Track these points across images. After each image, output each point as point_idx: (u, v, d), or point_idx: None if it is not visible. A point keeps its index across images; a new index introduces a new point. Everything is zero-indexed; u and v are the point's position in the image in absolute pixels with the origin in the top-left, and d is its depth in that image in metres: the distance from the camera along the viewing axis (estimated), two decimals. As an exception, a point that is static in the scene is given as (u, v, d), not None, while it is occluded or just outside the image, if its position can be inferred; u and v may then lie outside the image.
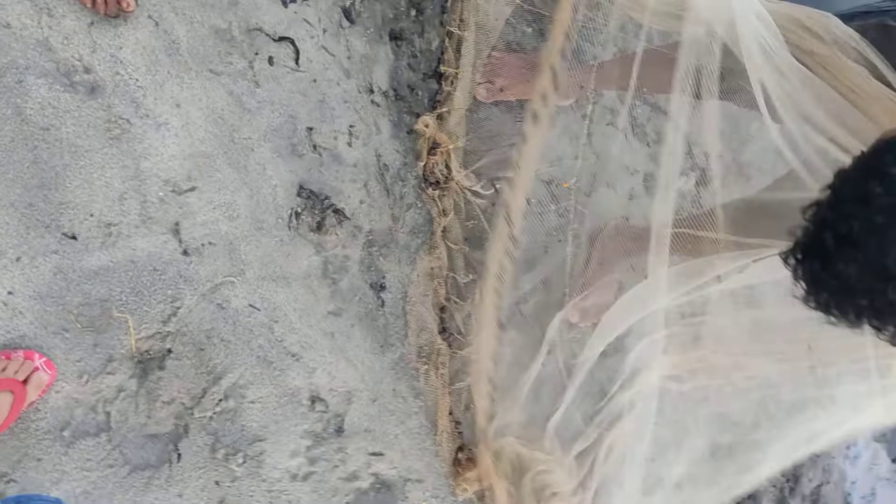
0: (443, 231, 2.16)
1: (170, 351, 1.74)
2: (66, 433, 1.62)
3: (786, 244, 1.42)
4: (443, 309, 2.19)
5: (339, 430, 1.95)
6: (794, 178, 2.09)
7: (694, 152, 2.83)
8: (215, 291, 1.80)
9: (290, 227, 1.91)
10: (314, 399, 1.93)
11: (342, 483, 1.95)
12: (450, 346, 2.14)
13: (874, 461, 3.52)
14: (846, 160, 1.24)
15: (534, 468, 2.24)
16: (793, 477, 3.03)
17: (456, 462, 2.12)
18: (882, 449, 3.59)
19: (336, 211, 1.96)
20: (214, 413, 1.78)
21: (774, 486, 2.94)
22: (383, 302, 2.07)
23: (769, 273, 1.94)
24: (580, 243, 2.46)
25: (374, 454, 2.01)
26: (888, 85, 1.40)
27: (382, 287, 2.07)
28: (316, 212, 1.94)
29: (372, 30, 2.02)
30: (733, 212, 2.35)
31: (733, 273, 2.10)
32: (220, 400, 1.79)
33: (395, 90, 2.10)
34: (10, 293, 1.56)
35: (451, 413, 2.14)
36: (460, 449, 2.12)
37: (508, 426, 2.27)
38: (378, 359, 2.04)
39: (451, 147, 2.14)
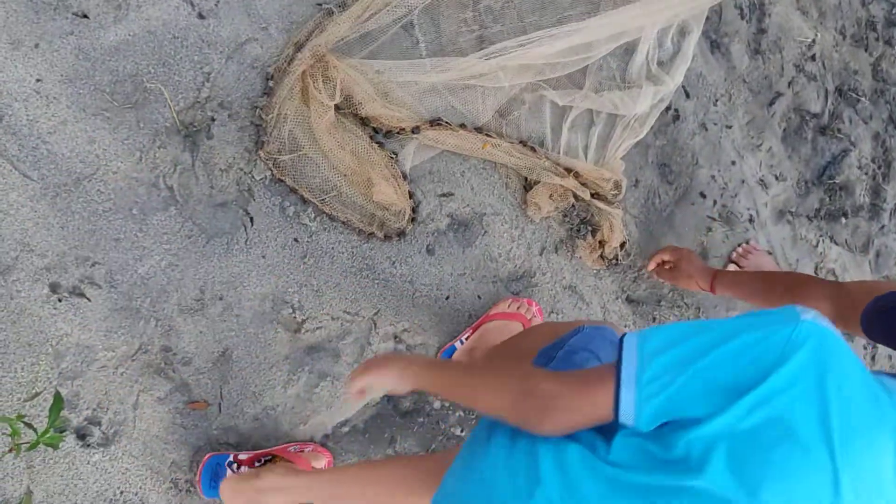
0: None
1: (213, 119, 1.71)
2: (135, 211, 1.63)
3: None
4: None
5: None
6: None
7: None
8: (241, 51, 1.74)
9: (301, -26, 1.81)
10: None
11: (419, 227, 1.94)
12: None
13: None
14: None
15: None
16: (884, 162, 2.89)
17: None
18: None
19: (345, -52, 1.84)
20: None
21: (866, 174, 2.82)
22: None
23: None
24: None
25: (443, 195, 1.98)
26: None
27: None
28: (325, -46, 1.83)
29: None
30: None
31: None
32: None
33: None
34: (38, 80, 1.54)
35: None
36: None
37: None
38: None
39: None
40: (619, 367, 0.93)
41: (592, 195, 2.13)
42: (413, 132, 1.90)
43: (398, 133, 1.90)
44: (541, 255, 2.11)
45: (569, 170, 2.10)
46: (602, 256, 2.18)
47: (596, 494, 0.94)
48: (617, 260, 2.21)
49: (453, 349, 1.93)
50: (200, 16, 1.70)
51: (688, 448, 0.87)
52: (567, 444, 0.99)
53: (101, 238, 1.60)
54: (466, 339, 1.94)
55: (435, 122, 1.94)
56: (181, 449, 1.68)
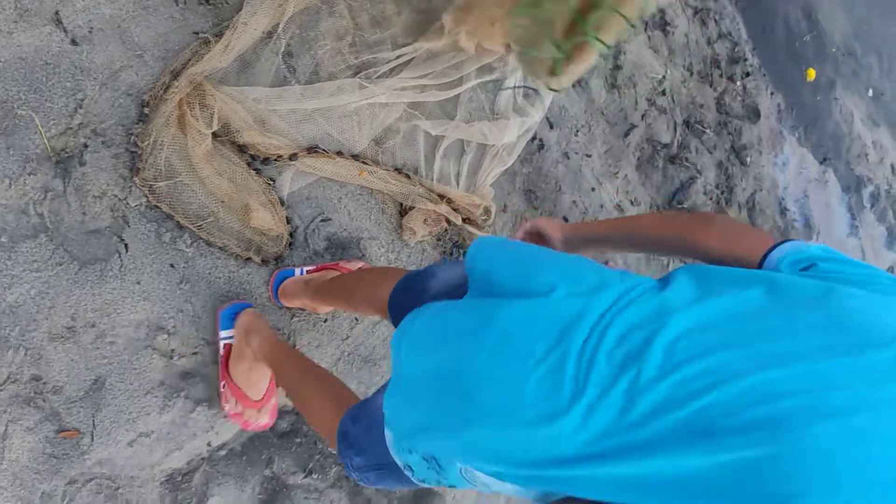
0: None
1: (86, 146, 1.71)
2: (3, 239, 1.60)
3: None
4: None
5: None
6: None
7: None
8: (116, 78, 1.74)
9: (177, 2, 1.83)
10: (247, 173, 1.93)
11: (296, 251, 1.99)
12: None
13: (802, 165, 3.69)
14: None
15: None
16: (727, 188, 3.18)
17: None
18: (808, 153, 3.76)
19: (221, -22, 1.88)
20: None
21: (710, 199, 3.10)
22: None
23: None
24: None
25: (321, 220, 2.04)
26: None
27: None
28: (201, -18, 1.86)
29: None
30: None
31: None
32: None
33: None
34: None
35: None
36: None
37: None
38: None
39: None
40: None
41: (464, 220, 2.25)
42: (290, 159, 1.95)
43: (276, 160, 1.95)
44: (415, 277, 2.21)
45: (442, 196, 2.21)
46: (473, 278, 2.31)
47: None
48: (487, 281, 2.33)
49: (291, 272, 1.95)
50: (74, 42, 1.69)
51: None
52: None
53: (-33, 267, 1.56)
54: (308, 272, 1.97)
55: (312, 150, 2.00)
56: (52, 479, 1.66)
